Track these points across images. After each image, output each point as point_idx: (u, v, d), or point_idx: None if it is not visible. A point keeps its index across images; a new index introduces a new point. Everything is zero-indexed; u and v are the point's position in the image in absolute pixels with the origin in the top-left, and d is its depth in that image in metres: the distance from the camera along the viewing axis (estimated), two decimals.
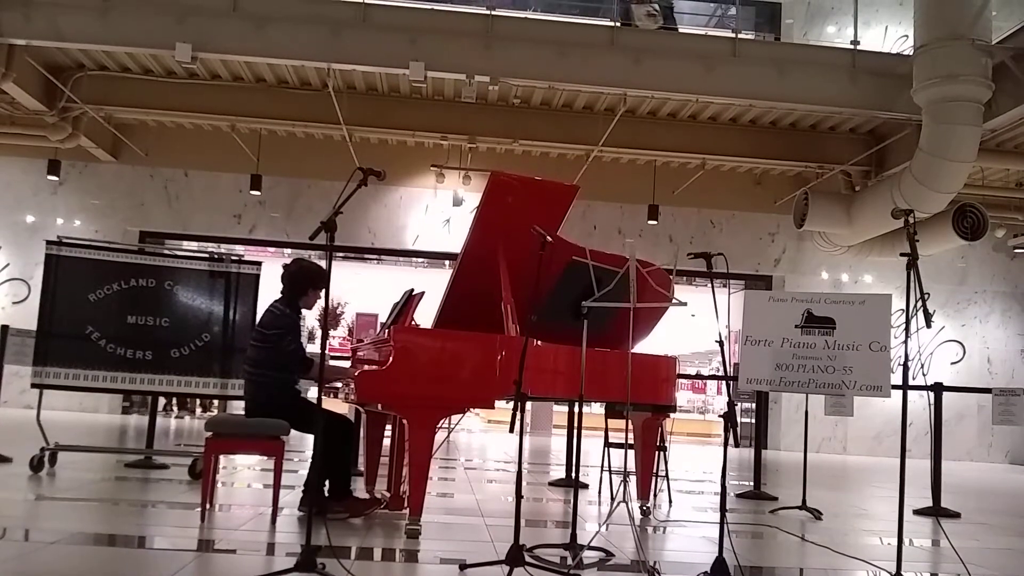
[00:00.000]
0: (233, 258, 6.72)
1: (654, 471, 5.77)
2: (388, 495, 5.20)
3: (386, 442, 5.67)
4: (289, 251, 14.70)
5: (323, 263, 4.05)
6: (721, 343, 3.89)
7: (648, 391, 5.16)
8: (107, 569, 3.43)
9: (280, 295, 4.91)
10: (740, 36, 11.15)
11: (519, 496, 3.64)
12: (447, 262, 14.17)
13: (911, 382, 3.67)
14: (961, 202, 11.75)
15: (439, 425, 4.31)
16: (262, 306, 5.71)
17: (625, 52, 10.66)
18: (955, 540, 4.70)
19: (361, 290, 15.97)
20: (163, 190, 13.49)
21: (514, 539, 3.51)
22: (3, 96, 11.39)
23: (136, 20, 10.22)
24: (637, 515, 5.46)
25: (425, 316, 5.29)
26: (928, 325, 3.57)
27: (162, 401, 12.22)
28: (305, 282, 4.87)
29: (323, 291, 4.82)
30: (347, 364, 5.81)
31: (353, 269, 16.19)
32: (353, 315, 17.02)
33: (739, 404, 12.04)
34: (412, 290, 5.41)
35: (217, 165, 13.38)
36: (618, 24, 10.84)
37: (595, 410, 10.01)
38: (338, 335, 17.12)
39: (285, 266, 4.98)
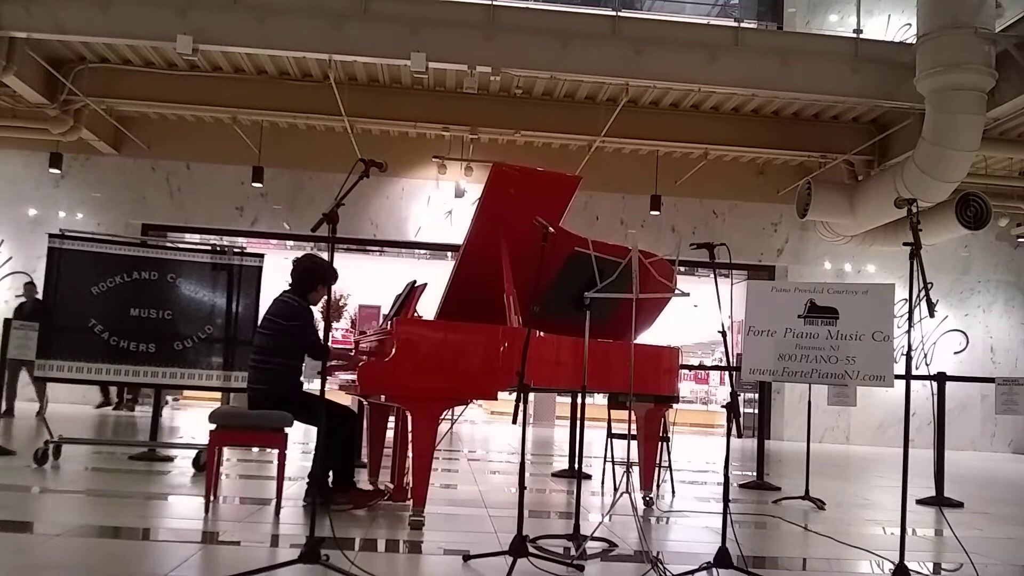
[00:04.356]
0: (235, 250, 6.72)
1: (657, 462, 5.78)
2: (392, 486, 5.21)
3: (389, 434, 5.68)
4: (291, 243, 14.70)
5: (326, 255, 4.05)
6: (724, 333, 3.89)
7: (651, 382, 5.16)
8: (112, 561, 3.43)
9: (289, 287, 4.93)
10: (742, 25, 11.12)
11: (522, 487, 3.65)
12: (449, 254, 14.18)
13: (914, 372, 3.66)
14: (964, 191, 11.73)
15: (442, 416, 4.31)
16: (264, 298, 5.71)
17: (627, 42, 10.64)
18: (958, 530, 4.70)
19: (364, 282, 15.96)
20: (165, 183, 13.49)
21: (517, 530, 3.51)
22: (4, 89, 11.38)
23: (137, 12, 10.21)
24: (640, 506, 5.46)
25: (428, 308, 5.29)
26: (931, 315, 3.56)
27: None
28: (315, 278, 4.91)
29: (328, 287, 4.87)
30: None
31: (356, 261, 16.19)
32: (356, 307, 16.99)
33: (742, 394, 12.03)
34: (414, 282, 5.41)
35: (219, 157, 13.37)
36: (619, 13, 10.80)
37: (598, 401, 10.03)
38: (341, 327, 17.13)
39: (296, 260, 4.99)
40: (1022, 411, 6.85)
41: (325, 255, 3.88)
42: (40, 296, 10.44)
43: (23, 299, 10.64)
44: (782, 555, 4.34)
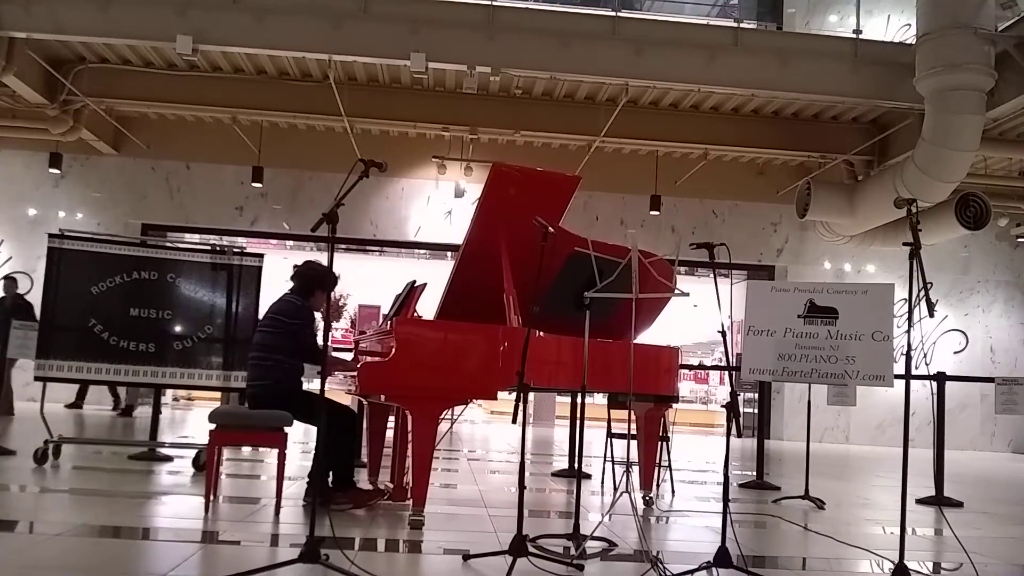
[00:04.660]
0: (235, 250, 6.72)
1: (657, 461, 5.78)
2: (391, 486, 5.22)
3: (389, 433, 5.68)
4: (291, 243, 14.71)
5: (325, 255, 4.05)
6: (723, 333, 3.89)
7: (650, 381, 5.16)
8: (111, 561, 3.44)
9: (291, 290, 4.96)
10: (742, 25, 11.12)
11: (522, 487, 3.65)
12: (449, 254, 14.17)
13: (914, 372, 3.67)
14: (964, 191, 11.73)
15: (442, 416, 4.32)
16: (264, 298, 5.72)
17: (627, 42, 10.64)
18: (958, 529, 4.70)
19: (363, 282, 15.97)
20: (165, 182, 13.49)
21: (517, 529, 3.52)
22: (4, 89, 11.37)
23: (137, 12, 10.20)
24: (640, 505, 5.47)
25: (427, 308, 5.29)
26: (931, 315, 3.57)
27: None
28: (313, 283, 4.94)
29: (327, 295, 4.88)
30: (350, 356, 5.82)
31: (355, 261, 16.19)
32: (355, 307, 17.00)
33: (741, 394, 12.02)
34: (414, 282, 5.41)
35: (219, 157, 13.37)
36: (619, 14, 10.80)
37: (598, 401, 10.03)
38: (340, 327, 17.13)
39: (295, 266, 5.02)
40: (1022, 411, 6.85)
41: (325, 255, 3.88)
42: (21, 291, 10.40)
43: (4, 295, 10.52)
44: (782, 555, 4.35)
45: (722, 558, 3.56)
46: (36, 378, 6.24)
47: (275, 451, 4.62)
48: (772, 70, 10.82)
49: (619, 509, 5.22)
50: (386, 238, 14.10)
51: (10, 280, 10.69)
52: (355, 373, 4.58)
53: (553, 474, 7.28)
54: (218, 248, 6.78)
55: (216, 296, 6.53)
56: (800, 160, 13.61)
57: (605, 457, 6.47)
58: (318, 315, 4.99)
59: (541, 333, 4.31)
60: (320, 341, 4.91)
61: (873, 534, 5.08)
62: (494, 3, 10.56)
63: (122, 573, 3.26)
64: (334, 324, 16.79)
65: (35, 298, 7.74)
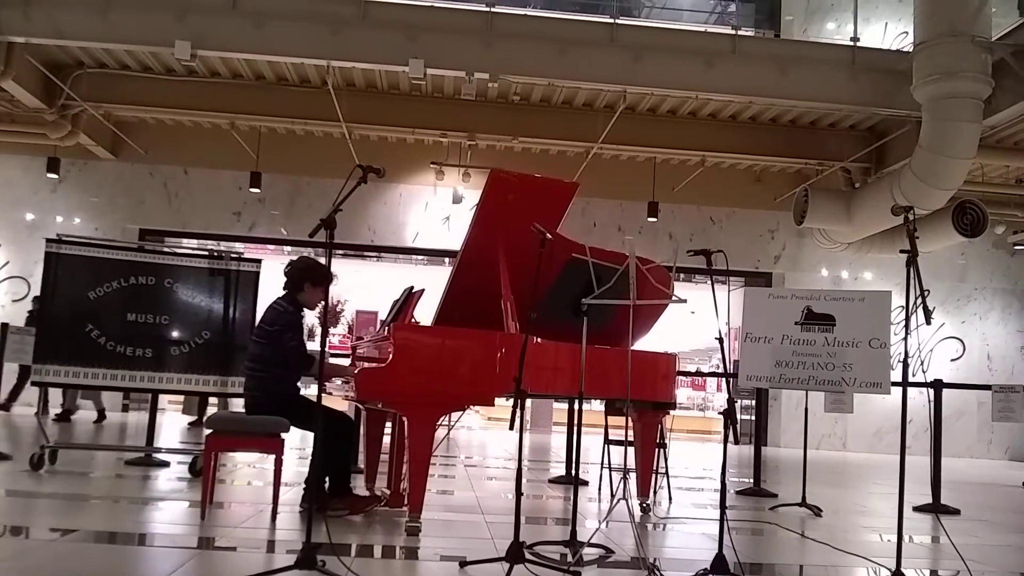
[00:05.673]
0: (233, 256, 6.72)
1: (654, 468, 5.78)
2: (388, 492, 5.21)
3: (386, 440, 5.67)
4: (289, 248, 14.71)
5: (323, 260, 4.04)
6: (721, 340, 3.89)
7: (648, 388, 5.16)
8: (108, 566, 3.43)
9: (283, 292, 4.93)
10: (740, 33, 11.15)
11: (519, 493, 3.64)
12: (447, 259, 14.16)
13: (911, 379, 3.67)
14: (961, 199, 11.75)
15: (439, 422, 4.31)
16: (262, 304, 5.72)
17: (625, 49, 10.66)
18: (955, 537, 4.70)
19: (361, 287, 15.96)
20: (163, 188, 13.48)
21: (514, 536, 3.51)
22: (3, 94, 11.37)
23: (136, 17, 10.20)
24: (637, 512, 5.46)
25: (425, 314, 5.29)
26: (928, 322, 3.57)
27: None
28: (301, 278, 4.87)
29: (323, 289, 4.83)
30: (347, 362, 5.81)
31: (353, 266, 16.18)
32: (353, 312, 17.01)
33: (739, 401, 12.01)
34: (412, 287, 5.41)
35: (217, 163, 13.37)
36: (617, 21, 10.82)
37: (595, 407, 10.02)
38: (338, 332, 17.13)
39: (289, 263, 5.00)
40: (1018, 418, 6.86)
41: (323, 260, 3.89)
42: None
43: None
44: (779, 562, 4.34)
45: (719, 565, 3.55)
46: (33, 383, 6.23)
47: (272, 457, 4.61)
48: (770, 77, 10.85)
49: (616, 516, 5.21)
50: (384, 244, 14.09)
51: None
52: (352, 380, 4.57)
53: (550, 481, 7.27)
54: (216, 253, 6.77)
55: (213, 301, 6.52)
56: (797, 167, 13.64)
57: (602, 464, 6.47)
58: (312, 317, 4.96)
59: (539, 339, 4.31)
60: (306, 345, 4.91)
61: (870, 541, 5.07)
62: (492, 10, 10.58)
63: None
64: (331, 329, 16.80)
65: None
